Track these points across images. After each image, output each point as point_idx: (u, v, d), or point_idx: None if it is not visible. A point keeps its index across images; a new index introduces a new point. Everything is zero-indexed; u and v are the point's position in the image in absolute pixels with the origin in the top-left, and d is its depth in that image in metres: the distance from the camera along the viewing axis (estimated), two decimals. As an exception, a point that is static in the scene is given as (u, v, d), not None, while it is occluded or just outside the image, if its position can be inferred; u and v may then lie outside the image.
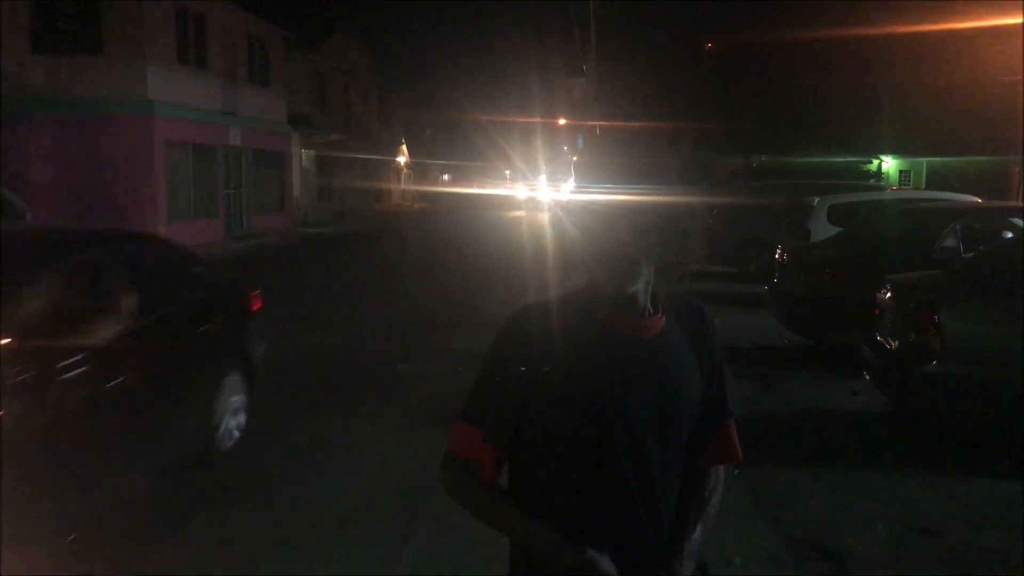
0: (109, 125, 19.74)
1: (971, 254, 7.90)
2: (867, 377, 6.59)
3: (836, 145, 23.47)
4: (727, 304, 11.72)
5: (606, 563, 1.59)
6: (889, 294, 6.47)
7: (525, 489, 1.72)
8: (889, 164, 25.32)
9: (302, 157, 32.18)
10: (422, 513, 4.84)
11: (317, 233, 27.72)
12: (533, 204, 37.10)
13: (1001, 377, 5.55)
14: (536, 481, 1.70)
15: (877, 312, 6.68)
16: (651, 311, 1.67)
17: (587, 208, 1.59)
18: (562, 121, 39.60)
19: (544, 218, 23.19)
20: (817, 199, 12.29)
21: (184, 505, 4.98)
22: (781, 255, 9.75)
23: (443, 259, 19.25)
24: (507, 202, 43.31)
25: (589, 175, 1.61)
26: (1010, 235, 8.56)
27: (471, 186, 49.86)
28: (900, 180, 24.10)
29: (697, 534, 1.71)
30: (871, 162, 25.22)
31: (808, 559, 4.36)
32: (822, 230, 11.41)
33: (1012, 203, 13.29)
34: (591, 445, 1.62)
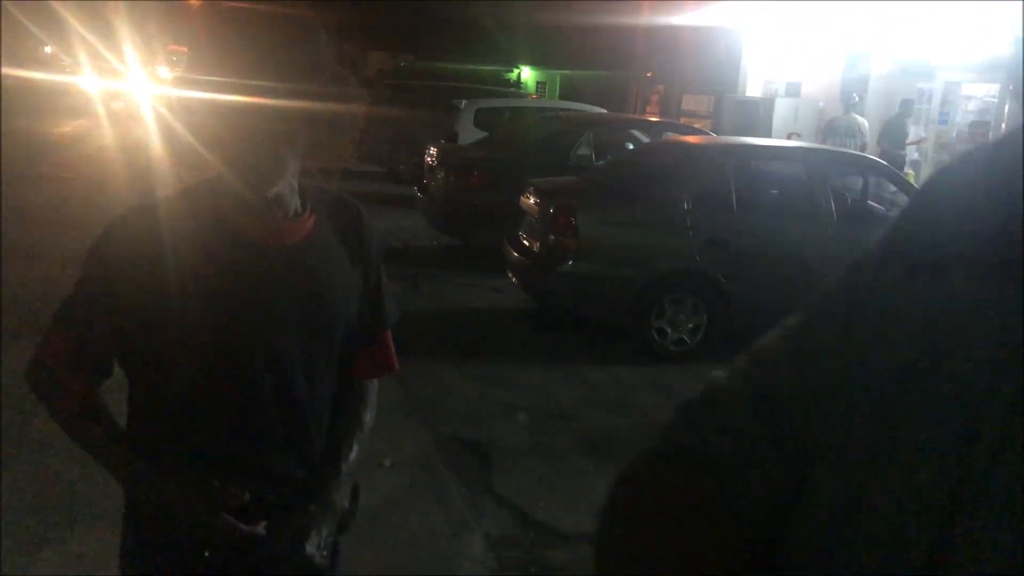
0: None
1: (601, 162, 8.53)
2: (510, 276, 6.86)
3: (479, 53, 24.22)
4: (378, 204, 11.55)
5: (215, 485, 1.36)
6: (532, 198, 6.72)
7: (146, 425, 1.44)
8: (528, 75, 26.81)
9: None
10: (20, 439, 4.08)
11: None
12: (121, 104, 24.73)
13: (625, 274, 6.07)
14: (158, 414, 1.42)
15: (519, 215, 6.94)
16: (298, 212, 1.42)
17: (211, 102, 1.28)
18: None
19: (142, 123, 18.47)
20: (464, 102, 12.48)
21: None
22: (430, 156, 9.76)
23: (42, 147, 16.63)
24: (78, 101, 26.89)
25: (208, 66, 1.29)
26: (631, 146, 9.38)
27: (88, 64, 41.49)
28: (537, 90, 25.64)
29: (354, 455, 1.54)
30: (511, 71, 26.51)
31: (455, 453, 4.45)
32: (468, 132, 11.64)
33: (633, 116, 14.71)
34: (221, 367, 1.37)
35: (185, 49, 1.36)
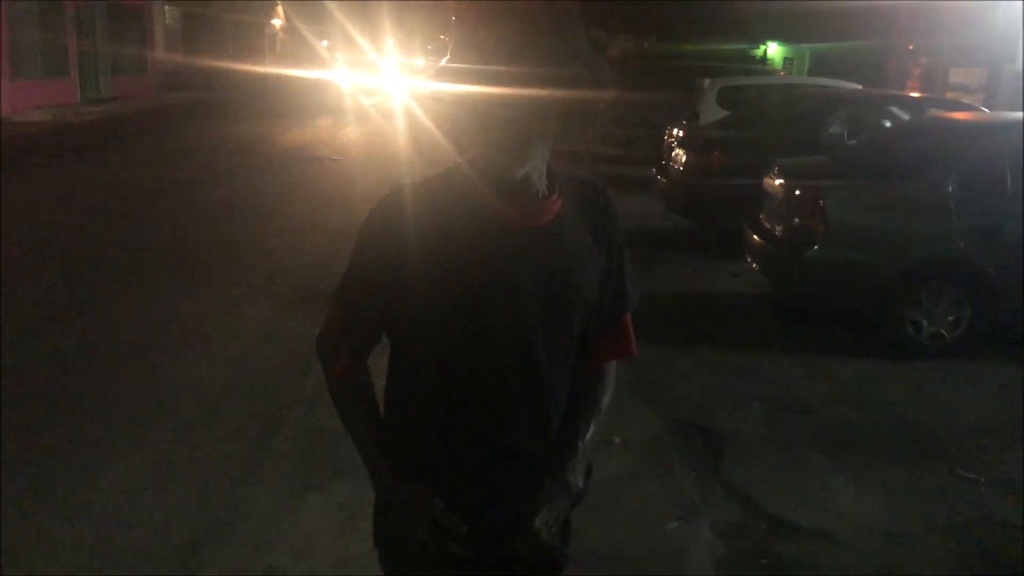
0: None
1: (855, 141, 7.99)
2: (749, 261, 6.63)
3: (724, 31, 23.43)
4: (613, 186, 11.48)
5: (438, 506, 1.47)
6: (777, 179, 6.44)
7: (403, 388, 1.55)
8: (775, 50, 25.57)
9: (165, 14, 29.60)
10: (296, 395, 4.60)
11: (183, 98, 25.84)
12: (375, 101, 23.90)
13: (879, 261, 5.65)
14: (414, 380, 1.52)
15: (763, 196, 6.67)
16: (545, 194, 1.45)
17: (468, 90, 1.35)
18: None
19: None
20: (708, 81, 12.17)
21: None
22: (670, 137, 9.63)
23: (315, 131, 18.28)
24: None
25: (469, 52, 1.34)
26: (888, 124, 8.69)
27: (350, 59, 44.00)
28: (784, 67, 24.38)
29: (590, 435, 1.58)
30: (758, 48, 25.42)
31: (686, 438, 4.40)
32: (711, 112, 11.34)
33: (892, 91, 13.59)
34: (471, 341, 1.44)
35: (444, 38, 1.43)
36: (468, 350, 1.45)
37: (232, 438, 4.15)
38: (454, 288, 1.41)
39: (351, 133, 17.96)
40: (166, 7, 29.60)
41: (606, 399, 1.63)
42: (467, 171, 1.44)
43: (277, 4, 42.59)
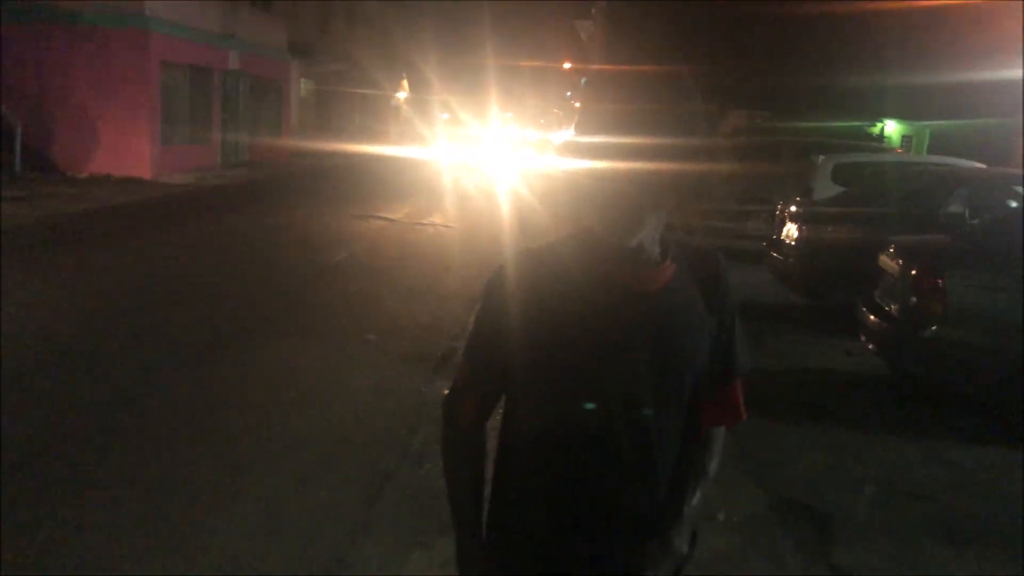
0: (105, 40, 19.16)
1: (976, 220, 7.75)
2: (863, 339, 6.48)
3: (839, 108, 23.05)
4: (726, 259, 11.55)
5: None
6: (893, 257, 6.32)
7: (514, 445, 1.62)
8: (892, 128, 24.94)
9: (301, 87, 31.52)
10: (405, 451, 4.75)
11: (311, 165, 27.27)
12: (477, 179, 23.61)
13: (1002, 346, 5.44)
14: (526, 438, 1.58)
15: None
16: (658, 260, 1.52)
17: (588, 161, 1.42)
18: (567, 65, 36.89)
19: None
20: (822, 157, 12.02)
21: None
22: (782, 212, 9.56)
23: (433, 200, 18.92)
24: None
25: (592, 124, 1.42)
26: (1014, 204, 8.38)
27: (465, 132, 44.85)
28: (903, 144, 23.72)
29: (696, 501, 1.61)
30: (874, 125, 24.87)
31: (793, 518, 4.30)
32: (825, 189, 11.19)
33: (1015, 171, 13.05)
34: (584, 402, 1.50)
35: (557, 111, 1.54)
36: (580, 411, 1.49)
37: (342, 489, 4.31)
38: (568, 351, 1.47)
39: (463, 204, 18.53)
40: (302, 80, 31.52)
41: (713, 465, 1.65)
42: (582, 238, 1.52)
43: (403, 78, 44.58)
